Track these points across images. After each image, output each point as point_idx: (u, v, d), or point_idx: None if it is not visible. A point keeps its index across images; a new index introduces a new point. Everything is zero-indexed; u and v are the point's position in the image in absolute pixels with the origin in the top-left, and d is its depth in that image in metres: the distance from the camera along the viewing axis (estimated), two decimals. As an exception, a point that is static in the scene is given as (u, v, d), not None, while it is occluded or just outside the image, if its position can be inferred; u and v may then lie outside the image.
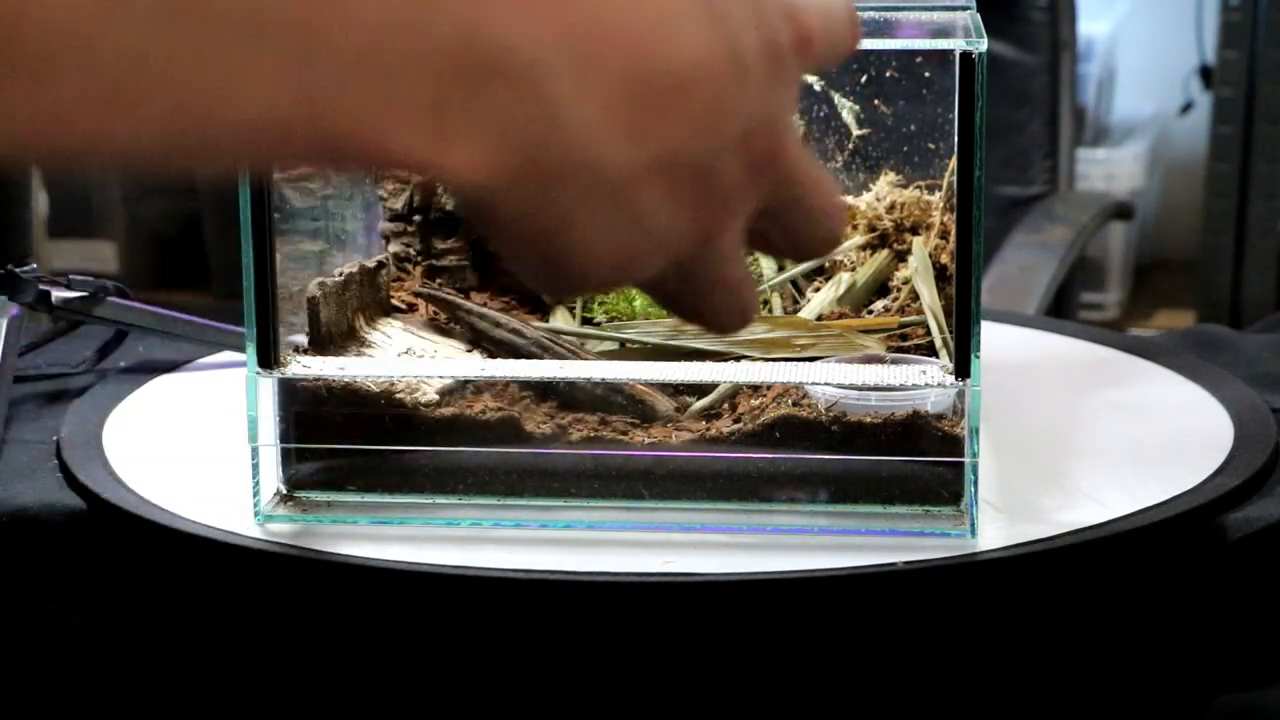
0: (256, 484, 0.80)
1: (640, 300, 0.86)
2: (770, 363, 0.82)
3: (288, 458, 0.81)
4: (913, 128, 0.94)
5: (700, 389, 0.82)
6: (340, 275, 0.87)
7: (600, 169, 0.46)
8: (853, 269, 0.91)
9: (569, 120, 0.45)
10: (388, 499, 0.81)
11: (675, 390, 0.82)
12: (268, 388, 0.81)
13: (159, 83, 0.42)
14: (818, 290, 0.90)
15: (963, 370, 0.78)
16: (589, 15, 0.45)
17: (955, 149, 0.76)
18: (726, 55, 0.47)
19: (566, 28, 0.45)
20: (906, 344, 0.86)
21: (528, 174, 0.46)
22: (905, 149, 0.94)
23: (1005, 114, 1.95)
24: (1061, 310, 1.97)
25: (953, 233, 0.83)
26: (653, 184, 0.47)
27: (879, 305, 0.90)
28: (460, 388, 0.82)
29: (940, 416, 0.79)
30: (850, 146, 0.91)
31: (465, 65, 0.44)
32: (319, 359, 0.81)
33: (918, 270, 0.89)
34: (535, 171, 0.46)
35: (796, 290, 0.91)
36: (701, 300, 0.52)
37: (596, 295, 0.53)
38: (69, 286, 0.97)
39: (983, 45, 0.76)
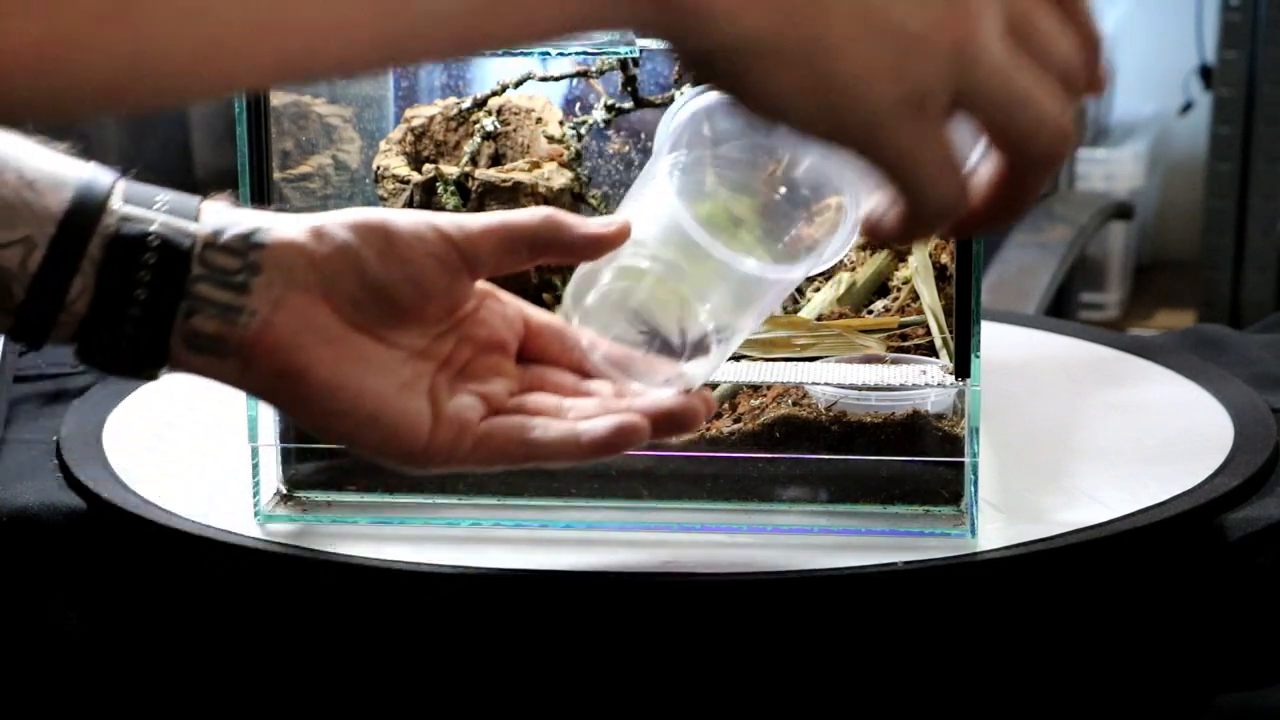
0: (256, 484, 0.80)
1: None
2: (770, 363, 0.82)
3: (288, 458, 0.82)
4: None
5: (700, 389, 0.82)
6: (340, 275, 0.87)
7: None
8: (853, 269, 0.91)
9: None
10: (388, 499, 0.81)
11: (675, 390, 0.82)
12: (268, 388, 0.81)
13: None
14: (818, 290, 0.90)
15: (963, 370, 0.78)
16: None
17: (955, 149, 0.76)
18: None
19: None
20: (906, 344, 0.86)
21: None
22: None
23: (1005, 114, 1.94)
24: (1061, 310, 1.97)
25: (953, 233, 0.83)
26: None
27: (879, 305, 0.90)
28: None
29: (940, 416, 0.79)
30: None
31: None
32: (319, 359, 0.81)
33: (918, 270, 0.89)
34: None
35: (796, 290, 0.91)
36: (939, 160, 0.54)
37: (884, 135, 0.54)
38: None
39: (983, 45, 0.75)
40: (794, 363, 0.82)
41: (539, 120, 0.93)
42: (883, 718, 0.76)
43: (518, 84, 0.91)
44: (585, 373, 0.72)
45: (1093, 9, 0.57)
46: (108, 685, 0.80)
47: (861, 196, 0.71)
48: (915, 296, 0.89)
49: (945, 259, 0.89)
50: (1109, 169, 3.04)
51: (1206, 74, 2.97)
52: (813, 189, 0.72)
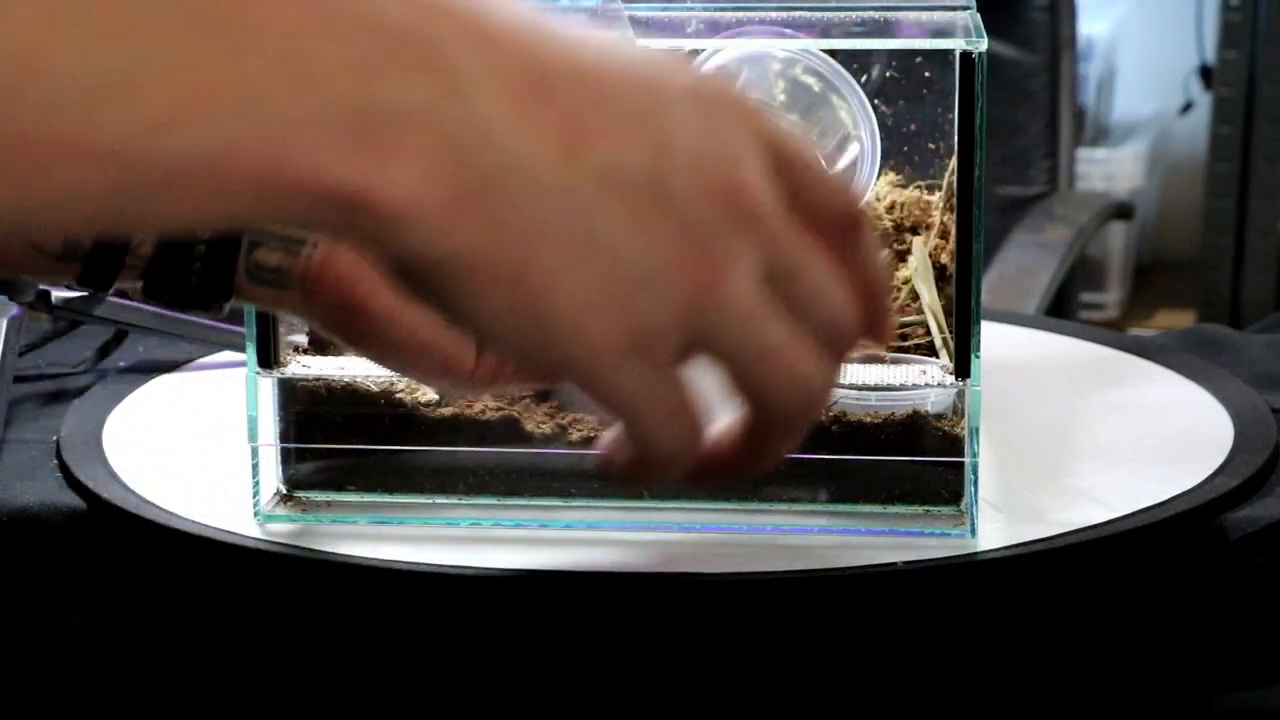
0: (256, 484, 0.80)
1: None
2: (770, 363, 0.82)
3: (288, 458, 0.81)
4: (913, 128, 0.94)
5: (700, 389, 0.82)
6: (340, 275, 0.87)
7: (537, 176, 0.45)
8: (853, 269, 0.91)
9: (487, 112, 0.44)
10: (388, 499, 0.81)
11: (675, 390, 0.82)
12: (268, 387, 0.81)
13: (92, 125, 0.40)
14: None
15: (963, 370, 0.78)
16: (477, 14, 0.45)
17: (955, 149, 0.76)
18: (631, 72, 0.47)
19: (466, 18, 0.44)
20: (906, 344, 0.86)
21: (468, 191, 0.44)
22: (905, 149, 0.94)
23: (1005, 114, 1.95)
24: (1061, 310, 1.97)
25: (953, 233, 0.83)
26: (607, 202, 0.45)
27: (879, 305, 0.89)
28: (460, 388, 0.82)
29: (940, 416, 0.79)
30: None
31: (378, 56, 0.43)
32: (319, 359, 0.81)
33: (918, 270, 0.89)
34: (475, 187, 0.44)
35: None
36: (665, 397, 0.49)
37: (610, 372, 0.48)
38: (69, 286, 0.97)
39: (983, 45, 0.76)
40: (794, 363, 0.82)
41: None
42: (883, 718, 0.76)
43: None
44: None
45: (879, 255, 0.53)
46: (108, 685, 0.80)
47: (876, 136, 0.83)
48: (915, 296, 0.89)
49: (945, 259, 0.89)
50: (1109, 169, 3.05)
51: (1206, 74, 2.97)
52: (830, 131, 0.80)
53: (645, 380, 0.48)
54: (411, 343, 0.67)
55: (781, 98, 0.85)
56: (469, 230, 0.44)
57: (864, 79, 0.93)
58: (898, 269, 0.91)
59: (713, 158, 0.47)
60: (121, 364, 1.01)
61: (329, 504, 0.81)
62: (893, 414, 0.79)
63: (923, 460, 0.79)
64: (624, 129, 0.46)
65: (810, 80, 0.86)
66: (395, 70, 0.43)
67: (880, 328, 0.53)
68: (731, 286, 0.47)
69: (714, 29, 0.86)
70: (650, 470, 0.51)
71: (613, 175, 0.45)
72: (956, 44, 0.76)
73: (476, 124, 0.44)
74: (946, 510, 0.79)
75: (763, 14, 0.86)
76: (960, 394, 0.78)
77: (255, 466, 0.80)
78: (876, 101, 0.94)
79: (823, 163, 0.52)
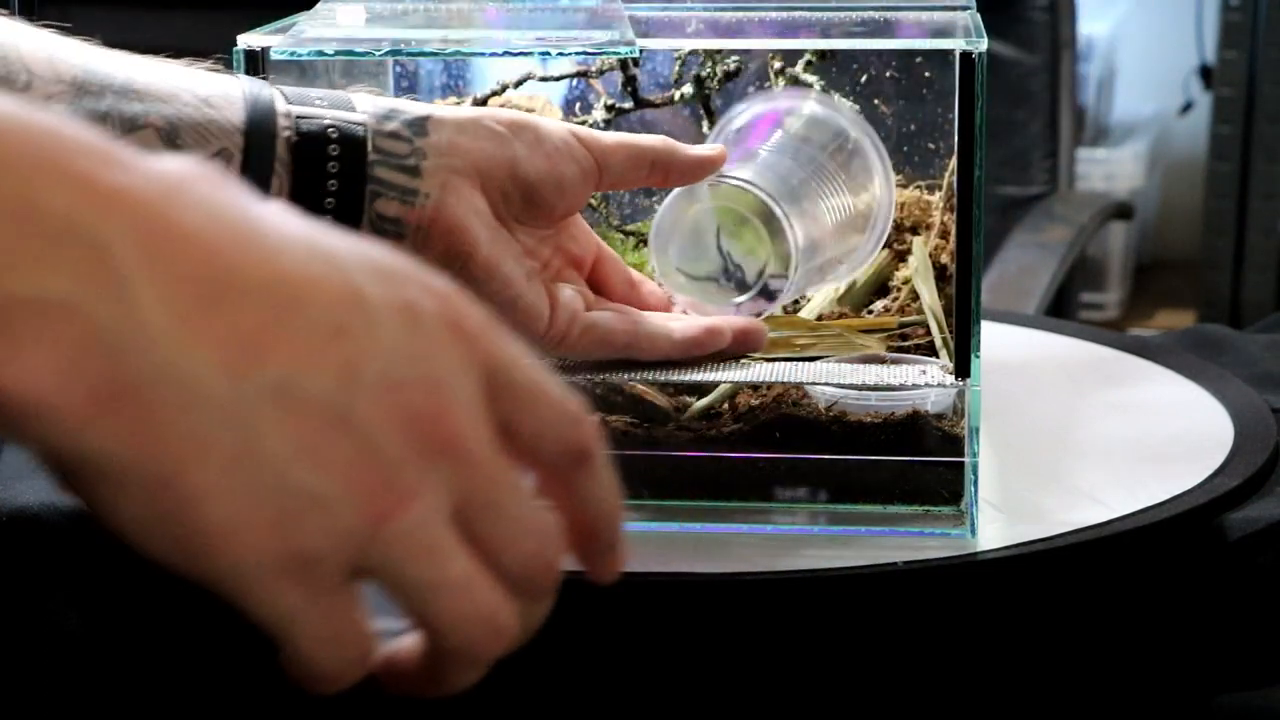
0: (256, 484, 0.80)
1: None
2: (770, 363, 0.82)
3: (288, 458, 0.81)
4: (913, 128, 0.94)
5: (700, 389, 0.82)
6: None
7: (197, 386, 0.42)
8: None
9: (148, 315, 0.42)
10: (388, 499, 0.81)
11: (675, 390, 0.82)
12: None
13: None
14: (818, 290, 0.90)
15: (963, 370, 0.78)
16: (159, 208, 0.42)
17: (955, 149, 0.76)
18: (337, 283, 0.44)
19: (142, 213, 0.42)
20: (906, 344, 0.86)
21: (114, 393, 0.41)
22: (905, 149, 0.94)
23: (1005, 114, 1.95)
24: (1061, 310, 1.97)
25: (953, 233, 0.83)
26: (276, 420, 0.43)
27: (879, 305, 0.90)
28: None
29: (940, 416, 0.79)
30: (850, 147, 0.91)
31: (25, 243, 0.40)
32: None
33: (918, 270, 0.89)
34: (121, 389, 0.41)
35: (796, 290, 0.91)
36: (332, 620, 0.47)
37: (265, 600, 0.46)
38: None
39: (983, 45, 0.76)
40: (794, 363, 0.82)
41: (539, 120, 0.93)
42: (883, 718, 0.76)
43: (518, 84, 0.92)
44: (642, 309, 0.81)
45: (611, 489, 0.50)
46: (108, 685, 0.80)
47: (891, 192, 0.88)
48: (915, 296, 0.89)
49: (945, 259, 0.89)
50: (1109, 169, 3.04)
51: (1206, 74, 2.97)
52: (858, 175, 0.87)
53: (300, 602, 0.45)
54: (502, 296, 0.73)
55: (831, 162, 0.89)
56: (111, 433, 0.41)
57: (863, 79, 0.93)
58: (897, 269, 0.91)
59: (411, 382, 0.45)
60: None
61: (329, 504, 0.81)
62: (893, 414, 0.79)
63: (923, 460, 0.79)
64: (307, 345, 0.43)
65: (847, 132, 0.89)
66: (42, 259, 0.40)
67: (606, 563, 0.51)
68: (410, 518, 0.45)
69: (714, 29, 0.86)
70: (314, 686, 0.48)
71: (286, 393, 0.43)
72: (956, 44, 0.76)
73: (132, 325, 0.41)
74: (946, 510, 0.79)
75: (763, 14, 0.86)
76: (960, 394, 0.78)
77: (255, 466, 0.80)
78: (876, 101, 0.94)
79: (554, 390, 0.48)
